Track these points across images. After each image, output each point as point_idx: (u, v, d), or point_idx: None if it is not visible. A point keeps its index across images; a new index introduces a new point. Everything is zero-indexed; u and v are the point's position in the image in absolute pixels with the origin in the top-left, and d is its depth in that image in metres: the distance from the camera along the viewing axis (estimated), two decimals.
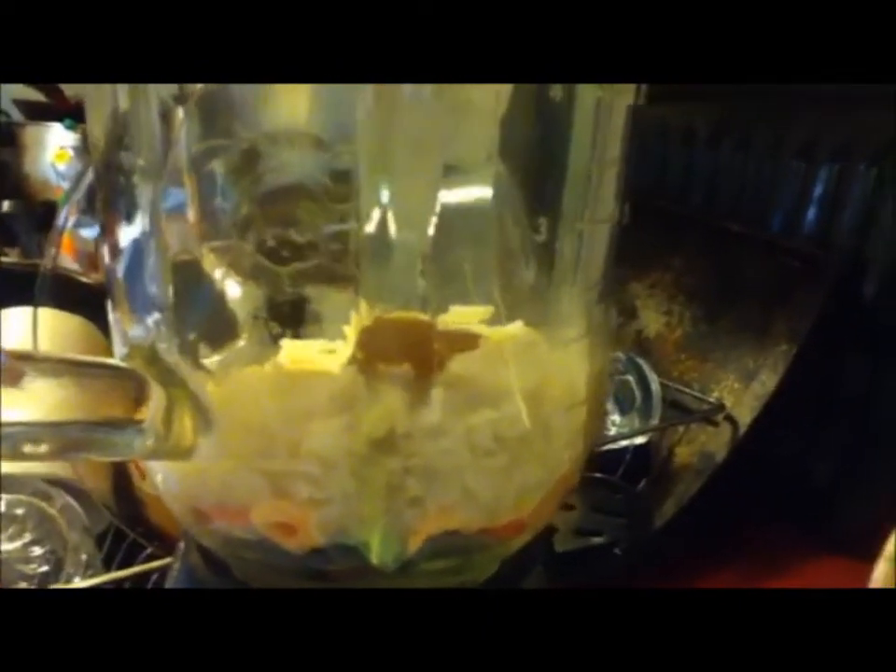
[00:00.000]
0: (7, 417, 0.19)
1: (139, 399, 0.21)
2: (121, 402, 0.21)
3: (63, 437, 0.20)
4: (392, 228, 0.21)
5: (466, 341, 0.23)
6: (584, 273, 0.24)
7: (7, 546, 0.40)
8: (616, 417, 0.59)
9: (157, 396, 0.21)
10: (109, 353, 0.35)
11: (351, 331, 0.22)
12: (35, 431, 0.19)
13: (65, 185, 0.84)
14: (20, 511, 0.40)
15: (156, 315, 0.23)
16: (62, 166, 0.85)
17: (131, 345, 0.23)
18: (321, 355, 0.23)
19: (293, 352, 0.23)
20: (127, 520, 0.44)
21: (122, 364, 0.22)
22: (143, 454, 0.22)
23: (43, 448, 0.20)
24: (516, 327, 0.24)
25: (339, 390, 0.22)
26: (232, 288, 0.23)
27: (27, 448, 0.19)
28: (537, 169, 0.23)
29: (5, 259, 0.61)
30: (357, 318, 0.22)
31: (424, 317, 0.22)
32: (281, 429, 0.22)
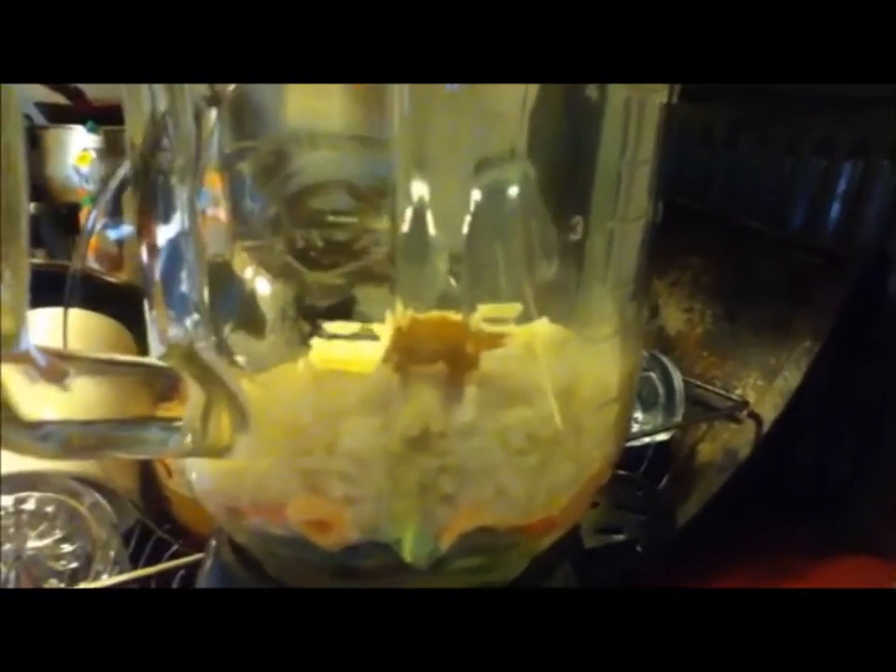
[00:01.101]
0: (48, 416, 0.19)
1: (175, 397, 0.21)
2: (155, 398, 0.21)
3: (102, 435, 0.20)
4: (427, 227, 0.21)
5: (498, 340, 0.24)
6: (616, 271, 0.24)
7: (38, 543, 0.40)
8: (639, 414, 0.59)
9: (194, 394, 0.21)
10: (137, 353, 0.36)
11: (385, 331, 0.22)
12: (74, 430, 0.20)
13: (88, 187, 0.84)
14: (49, 509, 0.41)
15: (193, 314, 0.23)
16: (84, 168, 0.86)
17: (169, 344, 0.23)
18: (353, 353, 0.23)
19: (325, 351, 0.23)
20: (154, 517, 0.45)
21: (159, 363, 0.22)
22: (181, 452, 0.22)
23: (82, 446, 0.20)
24: (547, 325, 0.24)
25: (373, 389, 0.22)
26: (265, 287, 0.24)
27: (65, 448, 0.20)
28: (566, 167, 0.23)
29: (33, 261, 0.61)
30: (392, 318, 0.22)
31: (456, 317, 0.23)
32: (316, 428, 0.23)
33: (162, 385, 0.21)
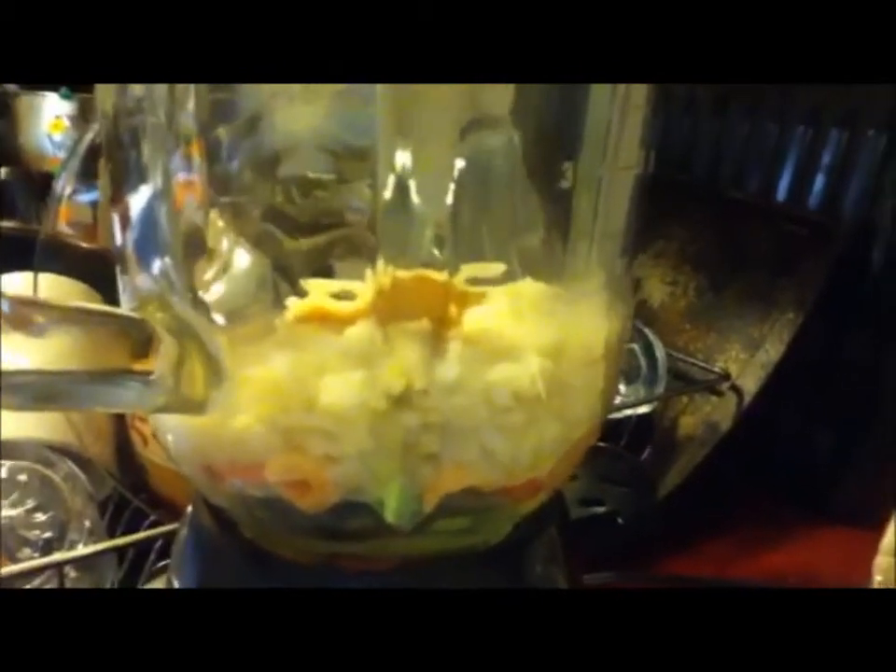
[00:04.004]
0: (14, 365, 0.18)
1: (148, 350, 0.21)
2: (130, 353, 0.21)
3: (74, 387, 0.20)
4: (410, 193, 0.21)
5: (481, 298, 0.23)
6: (604, 224, 0.24)
7: (10, 512, 0.39)
8: (621, 387, 0.59)
9: (167, 347, 0.21)
10: None
11: (366, 289, 0.22)
12: (45, 380, 0.19)
13: (61, 155, 0.83)
14: (22, 478, 0.40)
15: (166, 267, 0.22)
16: (57, 136, 0.84)
17: (140, 296, 0.22)
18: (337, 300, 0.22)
19: (310, 296, 0.22)
20: (130, 487, 0.44)
21: (132, 314, 0.21)
22: (153, 407, 0.21)
23: (53, 398, 0.19)
24: (532, 282, 0.23)
25: (354, 345, 0.22)
26: (242, 251, 0.23)
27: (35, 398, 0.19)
28: (555, 115, 0.23)
29: (4, 225, 0.60)
30: (374, 276, 0.21)
31: (439, 276, 0.22)
32: (294, 384, 0.22)
33: (137, 338, 0.20)
